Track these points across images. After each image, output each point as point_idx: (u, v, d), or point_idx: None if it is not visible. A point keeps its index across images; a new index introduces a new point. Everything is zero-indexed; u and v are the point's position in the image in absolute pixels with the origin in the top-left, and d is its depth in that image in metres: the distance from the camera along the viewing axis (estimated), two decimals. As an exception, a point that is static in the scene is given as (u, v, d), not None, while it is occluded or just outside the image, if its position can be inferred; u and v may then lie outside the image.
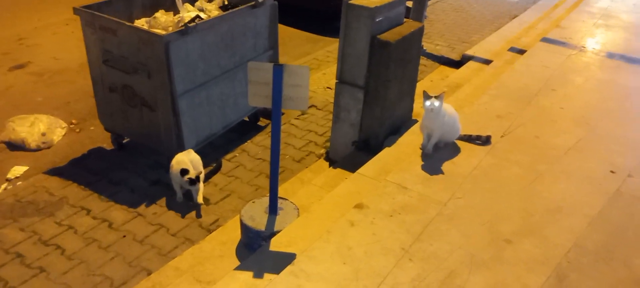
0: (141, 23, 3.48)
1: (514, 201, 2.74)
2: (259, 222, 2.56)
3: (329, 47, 5.76)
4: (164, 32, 3.12)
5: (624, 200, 2.79)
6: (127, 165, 3.49)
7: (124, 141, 3.69)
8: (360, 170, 3.05)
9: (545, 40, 5.31)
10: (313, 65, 5.29)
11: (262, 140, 3.88)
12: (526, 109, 3.79)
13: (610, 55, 5.03)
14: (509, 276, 2.22)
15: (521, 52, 5.08)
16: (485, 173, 2.96)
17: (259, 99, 2.39)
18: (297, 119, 4.23)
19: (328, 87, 4.73)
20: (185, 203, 3.12)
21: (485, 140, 3.24)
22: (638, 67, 4.82)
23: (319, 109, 4.41)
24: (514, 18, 6.65)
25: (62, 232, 2.88)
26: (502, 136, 3.36)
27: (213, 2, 3.95)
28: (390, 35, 3.21)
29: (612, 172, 3.04)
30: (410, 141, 3.32)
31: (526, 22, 6.26)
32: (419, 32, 3.54)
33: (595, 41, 5.46)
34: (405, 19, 3.50)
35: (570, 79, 4.43)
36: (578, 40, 5.39)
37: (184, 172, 2.97)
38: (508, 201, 2.74)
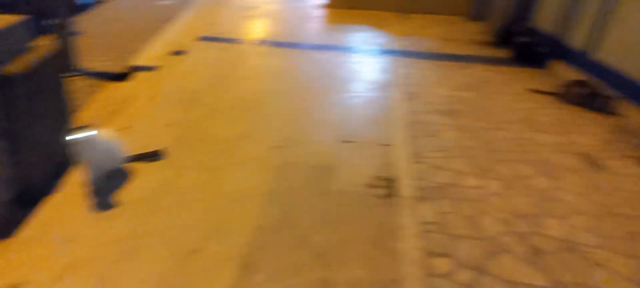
0: None
1: (197, 207, 2.75)
2: None
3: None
4: None
5: (286, 170, 3.17)
6: None
7: None
8: (16, 237, 2.48)
9: (203, 38, 5.58)
10: None
11: None
12: (194, 109, 3.88)
13: (262, 43, 5.69)
14: (201, 284, 2.21)
15: (182, 53, 5.18)
16: (163, 190, 2.86)
17: None
18: None
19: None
20: None
21: (156, 155, 3.13)
22: (283, 49, 5.61)
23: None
24: (171, 21, 6.73)
25: None
26: (174, 144, 3.33)
27: None
28: (12, 68, 2.66)
29: (275, 147, 3.42)
30: (75, 181, 2.90)
31: (183, 23, 6.43)
32: (57, 55, 3.08)
33: (245, 32, 6.08)
34: (43, 42, 2.98)
35: (230, 70, 4.78)
36: (231, 33, 5.88)
37: None
38: (191, 209, 2.72)
